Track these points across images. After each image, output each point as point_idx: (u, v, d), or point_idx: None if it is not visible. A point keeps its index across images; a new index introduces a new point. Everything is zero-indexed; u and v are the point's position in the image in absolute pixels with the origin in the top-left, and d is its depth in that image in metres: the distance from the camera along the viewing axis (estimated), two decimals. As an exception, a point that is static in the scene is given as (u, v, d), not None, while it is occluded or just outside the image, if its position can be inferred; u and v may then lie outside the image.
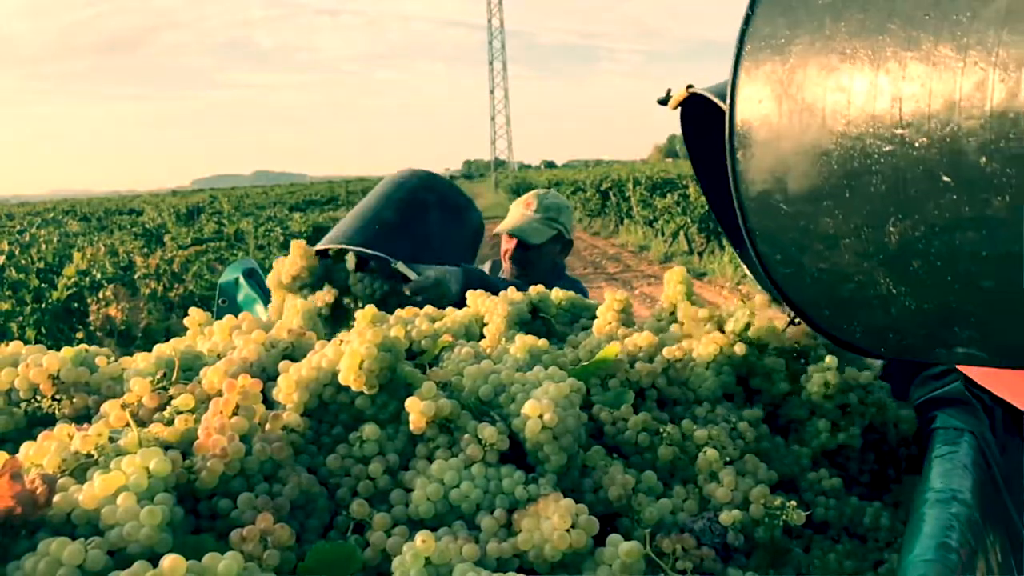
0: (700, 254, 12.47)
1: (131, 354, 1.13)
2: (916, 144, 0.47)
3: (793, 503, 0.86)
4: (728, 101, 0.58)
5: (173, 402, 0.88)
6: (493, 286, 1.35)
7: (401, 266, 1.60)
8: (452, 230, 1.86)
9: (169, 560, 0.61)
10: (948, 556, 0.70)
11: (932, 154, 0.46)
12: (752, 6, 0.59)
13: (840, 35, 0.50)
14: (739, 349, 1.04)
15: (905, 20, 0.45)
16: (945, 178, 0.46)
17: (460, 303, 1.29)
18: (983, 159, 0.44)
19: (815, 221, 0.55)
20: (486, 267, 2.77)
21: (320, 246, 1.73)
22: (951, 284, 0.51)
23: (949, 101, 0.44)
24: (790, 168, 0.54)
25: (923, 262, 0.51)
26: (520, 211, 2.58)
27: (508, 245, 2.57)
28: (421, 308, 1.26)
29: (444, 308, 1.27)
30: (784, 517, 0.85)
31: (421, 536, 0.71)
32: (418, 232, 1.75)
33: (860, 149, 0.50)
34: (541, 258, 2.53)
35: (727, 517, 0.83)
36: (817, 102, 0.52)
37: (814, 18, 0.51)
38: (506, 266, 2.62)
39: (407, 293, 1.64)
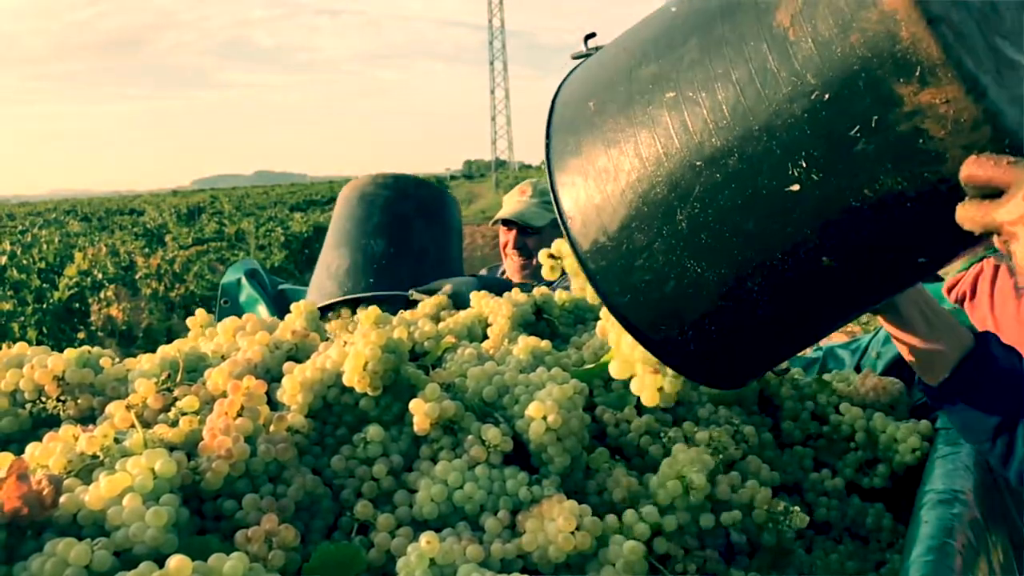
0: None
1: (133, 354, 1.13)
2: (672, 156, 0.71)
3: (796, 508, 0.86)
4: (552, 195, 0.80)
5: (178, 403, 0.88)
6: (507, 288, 1.33)
7: (416, 294, 1.54)
8: (439, 234, 1.78)
9: (175, 561, 0.61)
10: (950, 557, 0.71)
11: (685, 155, 0.70)
12: (548, 134, 0.83)
13: (607, 122, 0.76)
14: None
15: (641, 99, 0.74)
16: (698, 163, 0.70)
17: None
18: (714, 140, 0.68)
19: (631, 240, 0.75)
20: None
21: (325, 302, 1.60)
22: (730, 239, 0.70)
23: (687, 131, 0.70)
24: (605, 214, 0.76)
25: (708, 232, 0.71)
26: (516, 199, 2.49)
27: (507, 237, 2.45)
28: None
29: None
30: (788, 522, 0.85)
31: (425, 537, 0.71)
32: (413, 249, 1.68)
33: (642, 176, 0.73)
34: (543, 245, 2.45)
35: (729, 518, 0.84)
36: (607, 166, 0.75)
37: (586, 122, 0.78)
38: (508, 262, 2.49)
39: None
